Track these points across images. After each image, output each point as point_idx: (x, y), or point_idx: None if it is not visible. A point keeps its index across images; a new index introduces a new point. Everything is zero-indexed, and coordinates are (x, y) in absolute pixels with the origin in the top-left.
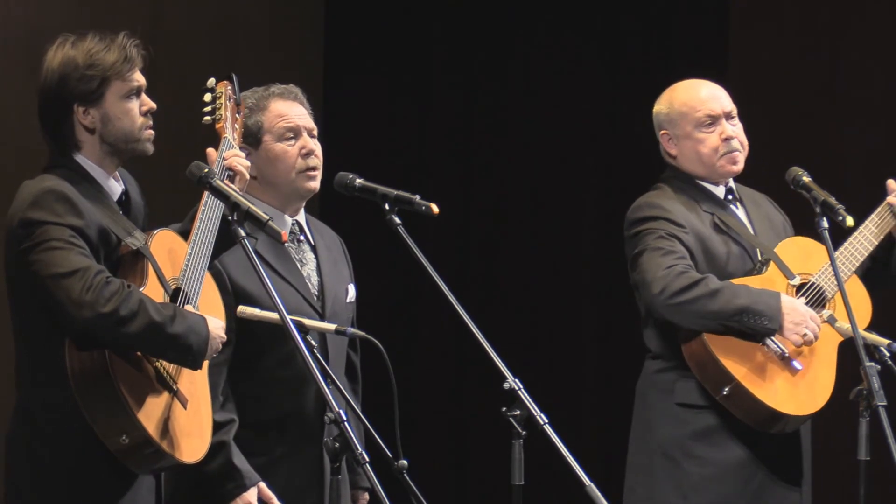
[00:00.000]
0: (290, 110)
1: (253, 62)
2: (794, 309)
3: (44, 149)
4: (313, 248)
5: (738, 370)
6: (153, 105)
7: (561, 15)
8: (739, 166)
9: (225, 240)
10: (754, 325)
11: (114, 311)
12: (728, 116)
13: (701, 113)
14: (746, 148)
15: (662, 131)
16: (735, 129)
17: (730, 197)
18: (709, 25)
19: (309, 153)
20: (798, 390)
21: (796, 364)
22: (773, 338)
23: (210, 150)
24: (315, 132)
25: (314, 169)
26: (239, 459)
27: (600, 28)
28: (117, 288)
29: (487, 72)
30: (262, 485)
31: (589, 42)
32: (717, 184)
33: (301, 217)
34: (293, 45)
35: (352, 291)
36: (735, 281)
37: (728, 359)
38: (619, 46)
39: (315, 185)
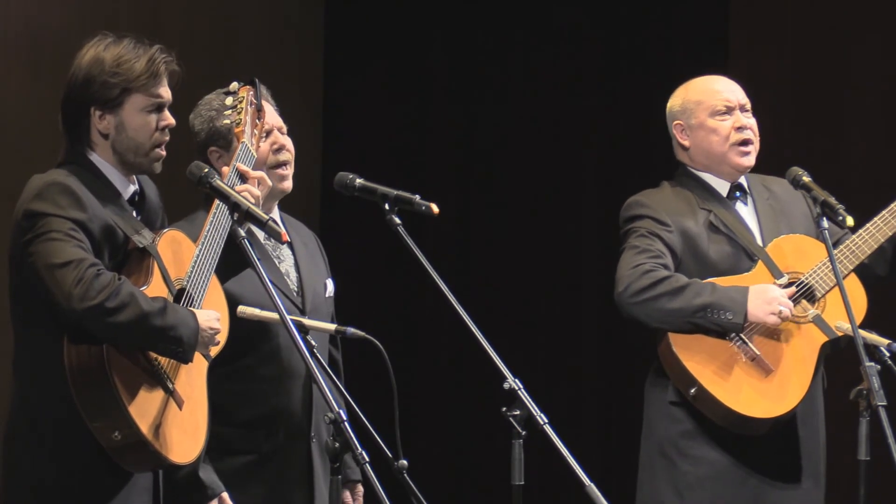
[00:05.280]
0: None
1: (253, 62)
2: (764, 290)
3: (43, 147)
4: (289, 245)
5: (701, 372)
6: (172, 121)
7: (560, 15)
8: (750, 160)
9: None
10: (718, 321)
11: (102, 302)
12: (742, 109)
13: (716, 101)
14: (758, 142)
15: (676, 122)
16: (749, 121)
17: (737, 193)
18: (709, 25)
19: (280, 148)
20: (766, 392)
21: (768, 365)
22: (743, 337)
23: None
24: (285, 130)
25: (286, 164)
26: (204, 470)
27: (600, 27)
28: (108, 280)
29: (487, 71)
30: (225, 495)
31: (589, 42)
32: (723, 179)
33: (275, 214)
34: (293, 45)
35: (330, 286)
36: (721, 280)
37: (691, 360)
38: (619, 46)
39: (288, 185)
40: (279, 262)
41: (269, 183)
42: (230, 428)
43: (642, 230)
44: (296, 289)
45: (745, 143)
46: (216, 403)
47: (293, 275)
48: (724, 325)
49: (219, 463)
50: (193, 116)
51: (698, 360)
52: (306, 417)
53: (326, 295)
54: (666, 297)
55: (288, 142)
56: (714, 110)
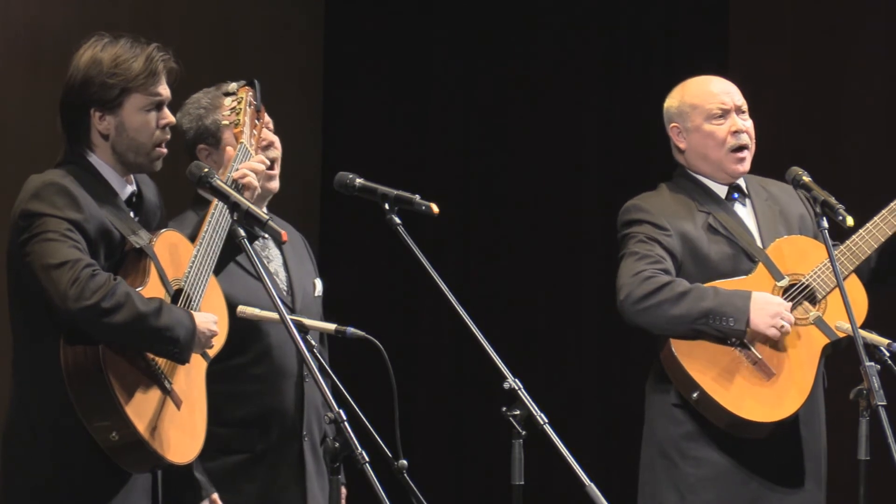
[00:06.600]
0: None
1: (253, 62)
2: (767, 302)
3: (44, 147)
4: (278, 245)
5: (702, 377)
6: (172, 119)
7: (561, 14)
8: (745, 166)
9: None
10: (720, 327)
11: (98, 303)
12: (739, 111)
13: (712, 105)
14: (754, 145)
15: (672, 124)
16: (745, 123)
17: (735, 195)
18: (709, 25)
19: (269, 146)
20: (767, 396)
21: (769, 368)
22: (744, 342)
23: (229, 149)
24: (271, 125)
25: (274, 162)
26: (197, 470)
27: (600, 27)
28: (104, 281)
29: (487, 71)
30: (215, 496)
31: (589, 42)
32: (721, 181)
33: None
34: (293, 45)
35: (318, 286)
36: (719, 283)
37: (693, 365)
38: (619, 46)
39: (275, 184)
40: (268, 262)
41: (258, 189)
42: (223, 427)
43: (641, 235)
44: (285, 288)
45: (741, 148)
46: (209, 403)
47: (282, 274)
48: (727, 331)
49: (212, 462)
50: (181, 115)
51: (700, 365)
52: (298, 417)
53: (315, 294)
54: (668, 304)
55: (276, 139)
56: (710, 114)
